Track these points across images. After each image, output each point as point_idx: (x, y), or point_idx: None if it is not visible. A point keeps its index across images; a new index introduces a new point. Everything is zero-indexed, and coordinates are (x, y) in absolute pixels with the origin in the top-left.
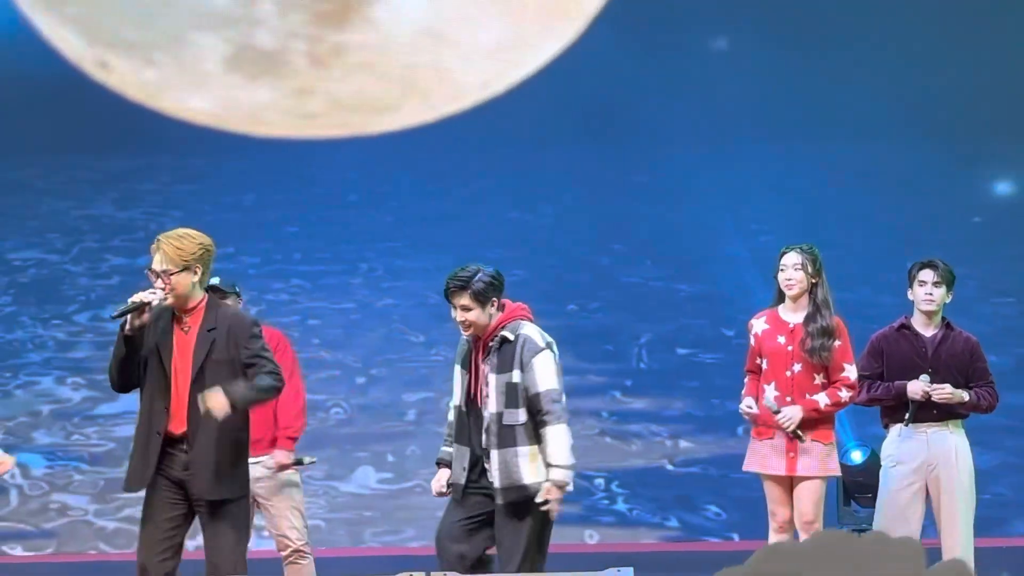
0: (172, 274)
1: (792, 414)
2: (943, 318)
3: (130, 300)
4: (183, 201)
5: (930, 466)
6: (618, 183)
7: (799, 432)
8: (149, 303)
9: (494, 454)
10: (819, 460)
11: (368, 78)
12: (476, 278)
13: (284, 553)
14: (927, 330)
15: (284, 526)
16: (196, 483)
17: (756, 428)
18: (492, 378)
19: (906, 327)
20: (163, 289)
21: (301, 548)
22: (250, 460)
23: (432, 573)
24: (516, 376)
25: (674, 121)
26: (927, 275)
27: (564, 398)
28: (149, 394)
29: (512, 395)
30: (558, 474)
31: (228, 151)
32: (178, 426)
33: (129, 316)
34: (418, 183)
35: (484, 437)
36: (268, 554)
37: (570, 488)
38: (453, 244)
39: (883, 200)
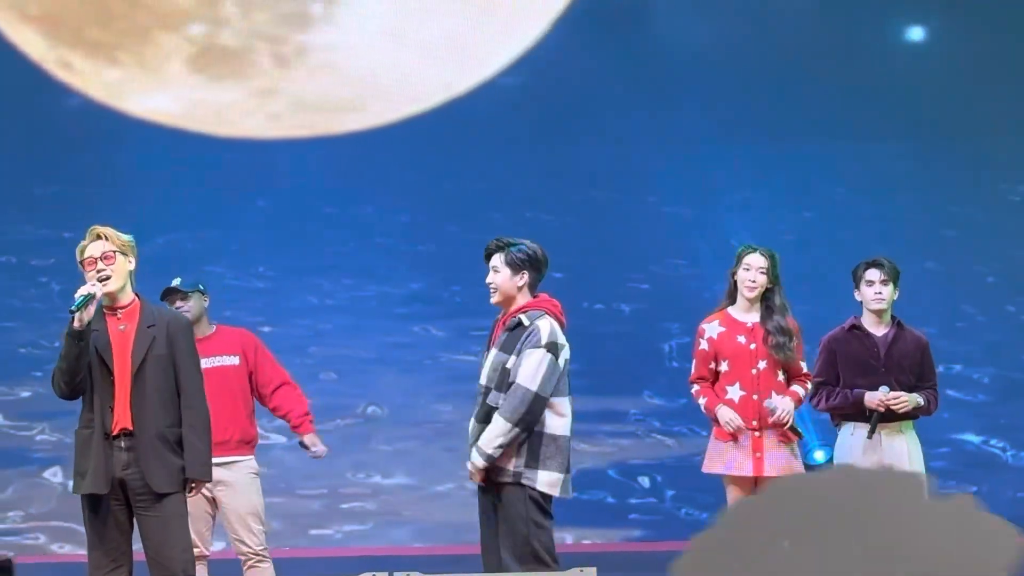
0: (115, 254)
1: (788, 406)
2: (893, 316)
3: (78, 294)
4: (147, 201)
5: (883, 466)
6: (581, 182)
7: (795, 426)
8: (95, 295)
9: (473, 426)
10: (785, 459)
11: (331, 78)
12: (517, 246)
13: (242, 558)
14: (878, 329)
15: (242, 532)
16: (149, 477)
17: (719, 429)
18: (492, 352)
19: (857, 327)
20: (101, 280)
21: (259, 552)
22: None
23: (395, 573)
24: (511, 361)
25: (640, 120)
26: (874, 274)
27: (539, 405)
28: (98, 395)
29: (503, 378)
30: (476, 456)
31: (192, 151)
32: (119, 424)
33: (78, 311)
34: (381, 184)
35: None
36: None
37: (479, 464)
38: (417, 246)
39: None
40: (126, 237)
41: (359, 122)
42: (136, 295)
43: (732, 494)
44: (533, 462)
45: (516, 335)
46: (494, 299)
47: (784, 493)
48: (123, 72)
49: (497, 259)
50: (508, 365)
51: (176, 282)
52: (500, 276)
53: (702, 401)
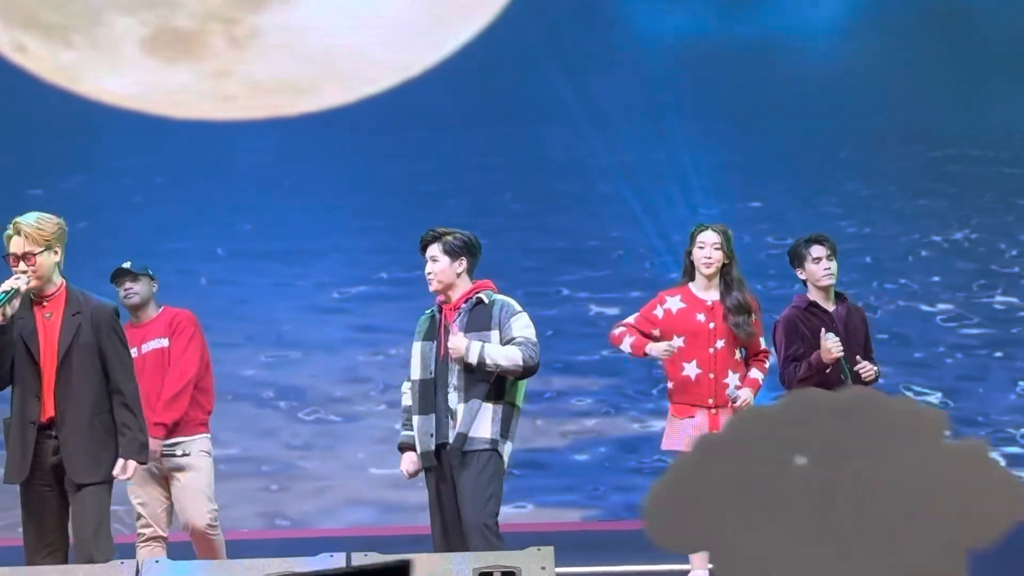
0: (36, 255)
1: (747, 396)
2: (837, 292)
3: (0, 290)
4: (101, 185)
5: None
6: (539, 165)
7: None
8: (18, 289)
9: (459, 407)
10: None
11: (286, 60)
12: (452, 234)
13: (190, 534)
14: (828, 305)
15: (192, 509)
16: (69, 467)
17: (676, 406)
18: (458, 336)
19: (814, 305)
20: (25, 273)
21: (205, 530)
22: (167, 441)
23: (352, 554)
24: (493, 337)
25: (596, 101)
26: (820, 250)
27: (538, 351)
28: (20, 384)
29: None
30: (474, 346)
31: (147, 134)
32: (47, 412)
33: (1, 307)
34: (336, 165)
35: (452, 394)
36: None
37: (470, 359)
38: (373, 228)
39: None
40: (51, 228)
41: (314, 104)
42: (64, 281)
43: None
44: (506, 433)
45: (482, 312)
46: (433, 287)
47: (804, 407)
48: (77, 54)
49: (435, 248)
50: (492, 340)
51: (126, 264)
52: (439, 265)
53: (627, 342)
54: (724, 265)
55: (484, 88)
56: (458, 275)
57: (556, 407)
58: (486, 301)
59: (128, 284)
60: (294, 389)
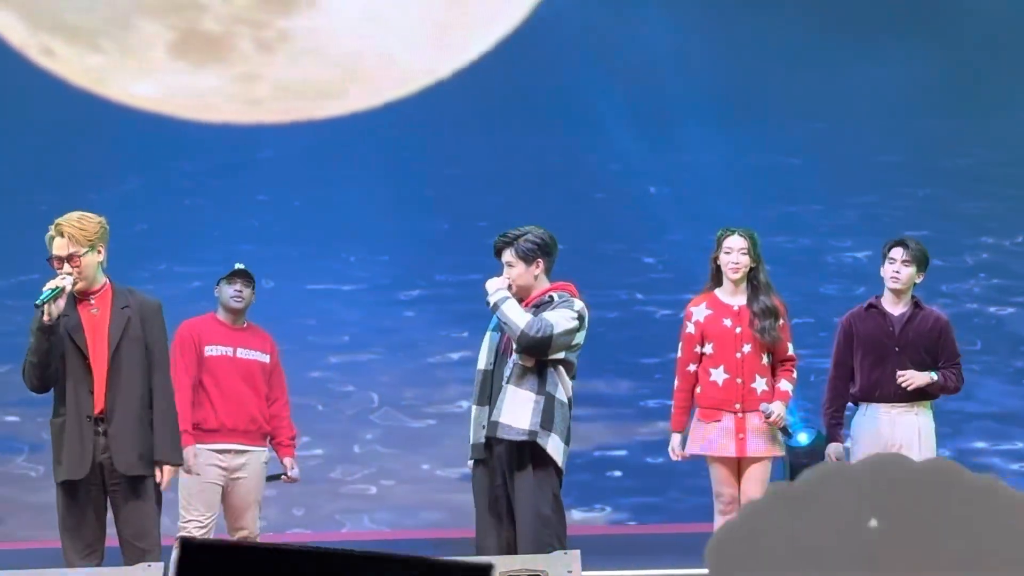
0: (81, 255)
1: (780, 411)
2: (913, 297)
3: (46, 287)
4: (127, 188)
5: (892, 446)
6: (566, 166)
7: (787, 426)
8: (64, 288)
9: (503, 392)
10: (767, 441)
11: (314, 63)
12: (524, 236)
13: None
14: (895, 308)
15: (246, 516)
16: (118, 460)
17: (703, 411)
18: None
19: (874, 306)
20: (71, 274)
21: (251, 539)
22: (236, 447)
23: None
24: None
25: (622, 104)
26: (897, 253)
27: (546, 344)
28: (71, 380)
29: None
30: (499, 293)
31: (174, 137)
32: (98, 406)
33: (47, 305)
34: (363, 169)
35: (505, 388)
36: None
37: (488, 297)
38: (399, 231)
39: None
40: (93, 227)
41: (341, 107)
42: (107, 277)
43: (716, 473)
44: (548, 425)
45: (544, 308)
46: (512, 293)
47: (885, 470)
48: (105, 58)
49: (508, 254)
50: None
51: (242, 266)
52: (516, 271)
53: (672, 409)
54: (751, 269)
55: (512, 90)
56: (535, 278)
57: (623, 411)
58: (556, 299)
59: (240, 287)
60: (327, 393)
